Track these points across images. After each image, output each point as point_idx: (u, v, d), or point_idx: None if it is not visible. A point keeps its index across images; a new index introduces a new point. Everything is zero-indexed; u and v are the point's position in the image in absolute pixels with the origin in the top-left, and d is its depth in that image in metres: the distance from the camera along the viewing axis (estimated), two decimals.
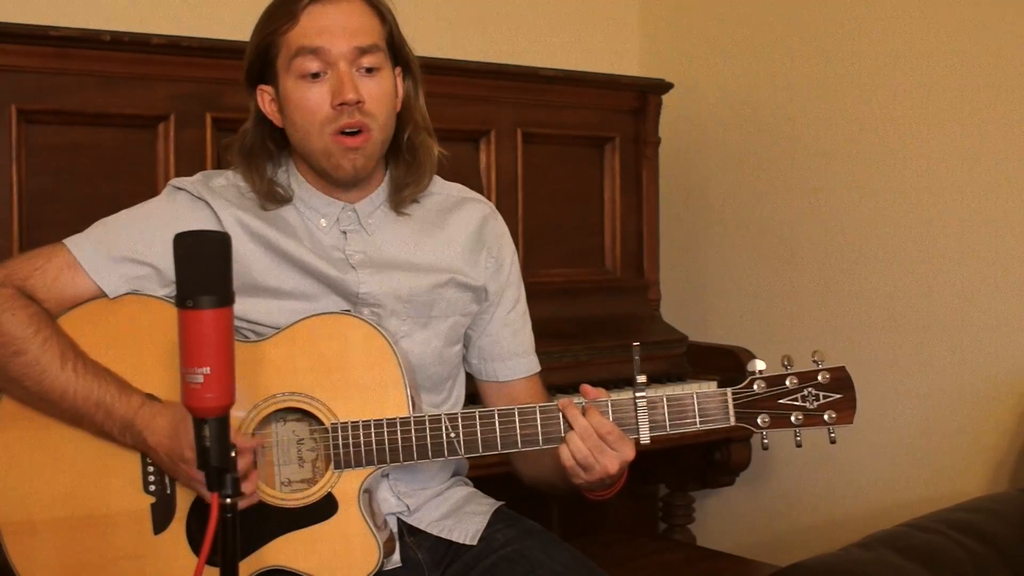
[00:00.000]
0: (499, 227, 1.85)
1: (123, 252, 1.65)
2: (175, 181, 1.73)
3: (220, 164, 2.22)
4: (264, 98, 1.69)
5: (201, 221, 1.66)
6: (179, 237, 1.26)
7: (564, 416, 1.59)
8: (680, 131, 3.24)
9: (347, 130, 1.63)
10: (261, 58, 1.67)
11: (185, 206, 1.69)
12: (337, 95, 1.62)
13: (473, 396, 1.92)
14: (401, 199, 1.74)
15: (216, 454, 1.26)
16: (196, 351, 1.24)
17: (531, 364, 1.86)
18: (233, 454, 1.27)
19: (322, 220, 1.72)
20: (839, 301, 2.95)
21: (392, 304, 1.71)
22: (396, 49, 1.71)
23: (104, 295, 1.64)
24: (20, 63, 2.13)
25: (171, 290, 1.64)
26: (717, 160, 3.28)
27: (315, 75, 1.63)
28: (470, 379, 1.87)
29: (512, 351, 1.83)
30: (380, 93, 1.66)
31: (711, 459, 2.89)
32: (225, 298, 1.26)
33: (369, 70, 1.65)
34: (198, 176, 1.74)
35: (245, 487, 1.52)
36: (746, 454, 2.88)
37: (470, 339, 1.83)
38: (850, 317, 2.92)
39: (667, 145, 3.05)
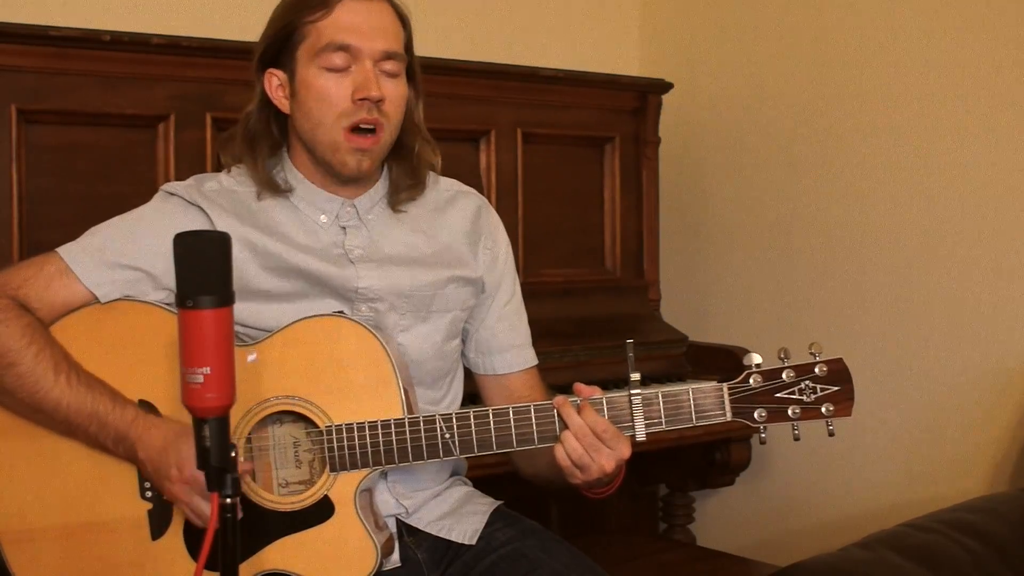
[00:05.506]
0: (492, 218, 1.86)
1: (115, 258, 1.64)
2: (167, 186, 1.73)
3: (220, 164, 2.22)
4: (271, 82, 1.69)
5: (194, 226, 1.64)
6: (179, 236, 1.26)
7: (559, 414, 1.57)
8: (680, 131, 3.23)
9: (363, 126, 1.64)
10: (281, 42, 1.67)
11: (178, 211, 1.68)
12: (361, 90, 1.63)
13: (474, 397, 1.92)
14: (398, 200, 1.76)
15: (216, 454, 1.26)
16: (196, 351, 1.24)
17: (528, 357, 1.86)
18: (233, 454, 1.27)
19: (322, 216, 1.72)
20: (839, 301, 2.95)
21: (391, 299, 1.71)
22: (409, 57, 1.73)
23: (97, 301, 1.63)
24: (20, 63, 2.13)
25: (164, 295, 1.64)
26: (717, 160, 3.28)
27: (339, 69, 1.64)
28: (468, 377, 1.87)
29: (509, 343, 1.83)
30: (397, 96, 1.68)
31: (711, 459, 2.88)
32: (225, 298, 1.26)
33: (390, 74, 1.67)
34: (190, 181, 1.73)
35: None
36: (746, 454, 2.88)
37: (467, 333, 1.84)
38: (850, 317, 2.92)
39: (667, 145, 3.05)
